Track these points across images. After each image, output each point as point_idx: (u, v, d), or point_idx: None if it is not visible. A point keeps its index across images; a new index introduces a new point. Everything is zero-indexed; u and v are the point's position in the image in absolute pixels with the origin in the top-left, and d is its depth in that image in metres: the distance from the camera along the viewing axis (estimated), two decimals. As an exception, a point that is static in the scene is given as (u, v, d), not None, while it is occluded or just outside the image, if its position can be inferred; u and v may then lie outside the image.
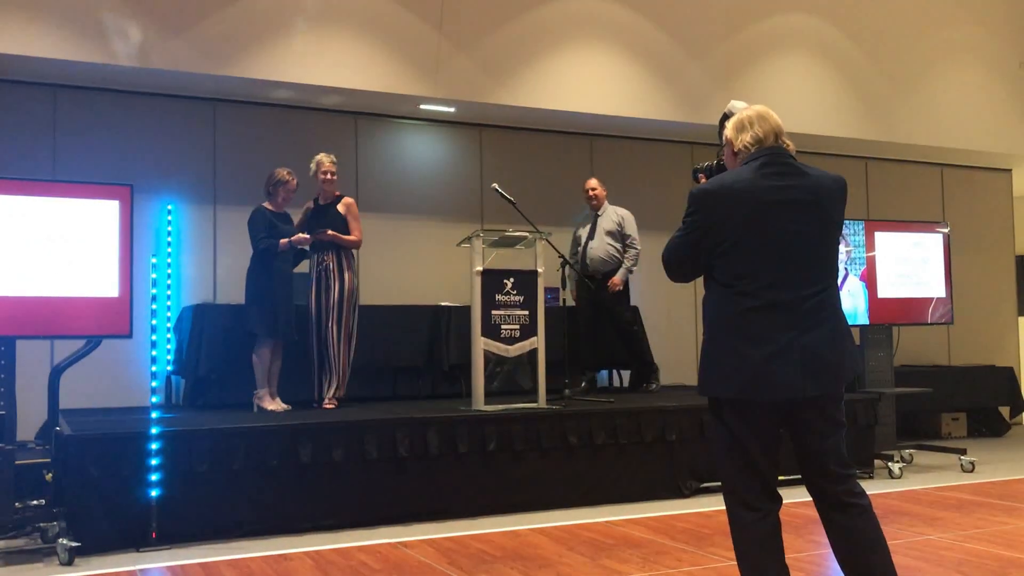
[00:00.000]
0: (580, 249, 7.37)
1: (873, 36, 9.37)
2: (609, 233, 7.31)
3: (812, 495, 2.88)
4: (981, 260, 10.69)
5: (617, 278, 7.30)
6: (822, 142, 9.43)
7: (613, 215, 7.41)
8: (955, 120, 9.76)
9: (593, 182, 7.47)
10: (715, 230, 2.81)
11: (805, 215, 2.79)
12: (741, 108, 3.05)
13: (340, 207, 6.49)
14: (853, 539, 2.78)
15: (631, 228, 7.44)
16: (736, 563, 2.88)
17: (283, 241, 6.12)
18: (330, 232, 6.30)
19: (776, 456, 2.85)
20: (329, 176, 6.43)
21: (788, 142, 2.89)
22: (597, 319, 7.32)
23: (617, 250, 7.31)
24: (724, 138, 2.99)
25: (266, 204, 6.25)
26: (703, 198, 2.85)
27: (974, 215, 10.70)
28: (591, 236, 7.33)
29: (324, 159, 6.44)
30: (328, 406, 6.23)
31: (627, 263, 7.40)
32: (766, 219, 2.77)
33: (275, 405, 6.09)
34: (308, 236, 6.24)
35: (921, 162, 10.45)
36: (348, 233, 6.40)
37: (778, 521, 2.85)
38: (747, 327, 2.75)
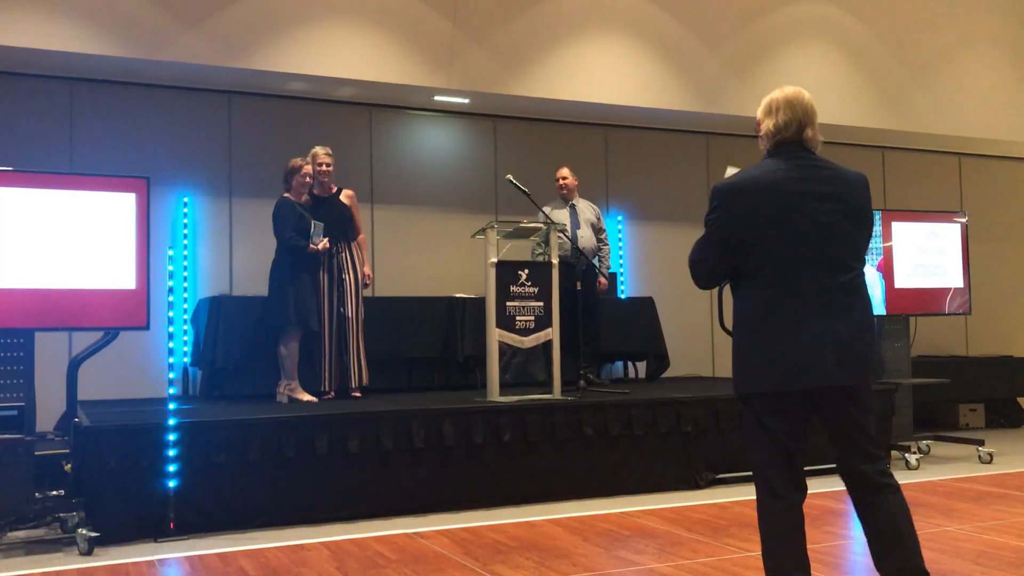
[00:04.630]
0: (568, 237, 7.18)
1: (891, 24, 9.29)
2: (590, 224, 7.25)
3: (845, 478, 2.93)
4: (999, 250, 10.61)
5: (605, 280, 7.34)
6: (839, 131, 9.37)
7: (590, 207, 7.37)
8: (973, 109, 9.68)
9: (566, 171, 7.32)
10: (741, 222, 2.85)
11: (829, 205, 2.84)
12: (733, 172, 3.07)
13: (344, 199, 6.52)
14: (886, 516, 2.83)
15: (602, 222, 7.46)
16: (759, 549, 2.89)
17: (311, 247, 6.15)
18: (367, 270, 6.53)
19: (805, 445, 2.90)
20: (324, 168, 6.44)
21: (813, 132, 2.92)
22: (583, 308, 7.08)
23: (594, 242, 7.26)
24: (756, 120, 3.02)
25: (287, 195, 6.27)
26: (726, 192, 2.90)
27: (992, 204, 10.62)
28: (576, 225, 7.21)
29: (319, 151, 6.45)
30: (358, 395, 6.33)
31: (607, 262, 7.42)
32: (791, 209, 2.81)
33: (309, 396, 6.13)
34: (327, 243, 6.26)
35: (939, 151, 10.37)
36: (354, 223, 6.53)
37: (802, 512, 2.90)
38: (776, 318, 2.81)
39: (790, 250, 2.80)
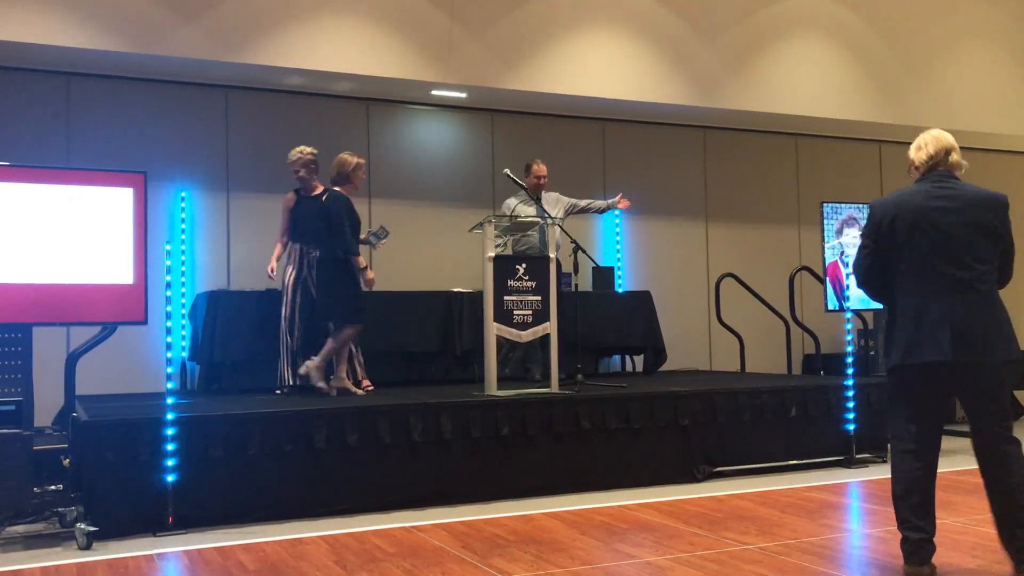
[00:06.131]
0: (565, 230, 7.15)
1: (887, 18, 9.29)
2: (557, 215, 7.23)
3: (974, 448, 3.66)
4: (996, 243, 10.60)
5: (623, 200, 7.52)
6: (835, 125, 9.38)
7: (554, 200, 7.34)
8: (970, 103, 9.68)
9: (544, 167, 7.25)
10: (890, 229, 3.58)
11: (955, 218, 3.54)
12: None
13: (327, 201, 6.34)
14: (1002, 480, 3.56)
15: (567, 199, 7.45)
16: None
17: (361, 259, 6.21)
18: (370, 275, 6.38)
19: (935, 414, 3.62)
20: (300, 172, 6.39)
21: (957, 156, 3.67)
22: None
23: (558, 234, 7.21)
24: (908, 157, 3.78)
25: (338, 189, 6.26)
26: (878, 206, 3.71)
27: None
28: None
29: (300, 150, 6.41)
30: (368, 388, 6.37)
31: (596, 202, 7.54)
32: (929, 220, 3.53)
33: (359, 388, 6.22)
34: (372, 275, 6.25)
35: (936, 145, 10.36)
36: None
37: (929, 465, 3.63)
38: (909, 306, 3.55)
39: (923, 252, 3.53)
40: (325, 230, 6.18)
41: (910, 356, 3.52)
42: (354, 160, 6.31)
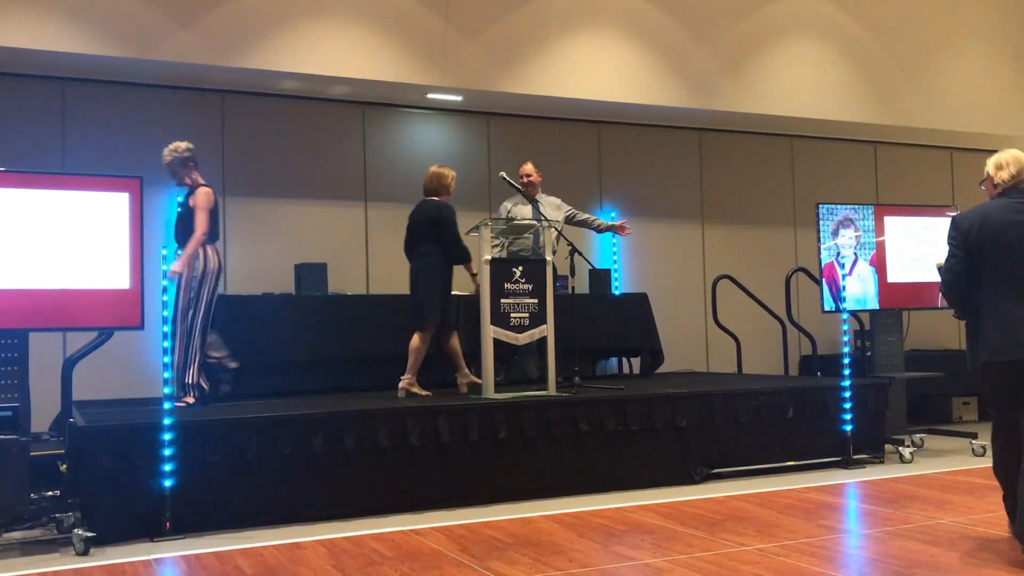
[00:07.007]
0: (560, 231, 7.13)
1: (882, 20, 9.31)
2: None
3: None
4: (992, 244, 10.62)
5: (622, 224, 7.48)
6: (831, 127, 9.39)
7: (552, 202, 7.30)
8: (964, 103, 9.71)
9: (531, 167, 7.20)
10: (974, 242, 3.97)
11: None
12: None
13: (191, 200, 6.03)
14: None
15: (567, 207, 7.42)
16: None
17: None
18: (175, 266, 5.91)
19: (1020, 406, 3.90)
20: (179, 171, 6.03)
21: None
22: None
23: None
24: (985, 173, 4.18)
25: (437, 198, 6.40)
26: (965, 219, 4.09)
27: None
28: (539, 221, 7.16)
29: (174, 146, 6.04)
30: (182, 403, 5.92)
31: (596, 220, 7.52)
32: (1010, 233, 3.92)
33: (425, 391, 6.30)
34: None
35: (930, 146, 10.40)
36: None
37: (1018, 445, 3.95)
38: (991, 309, 3.92)
39: (1004, 261, 3.90)
40: (184, 230, 5.95)
41: (997, 355, 3.89)
42: (451, 172, 6.52)
